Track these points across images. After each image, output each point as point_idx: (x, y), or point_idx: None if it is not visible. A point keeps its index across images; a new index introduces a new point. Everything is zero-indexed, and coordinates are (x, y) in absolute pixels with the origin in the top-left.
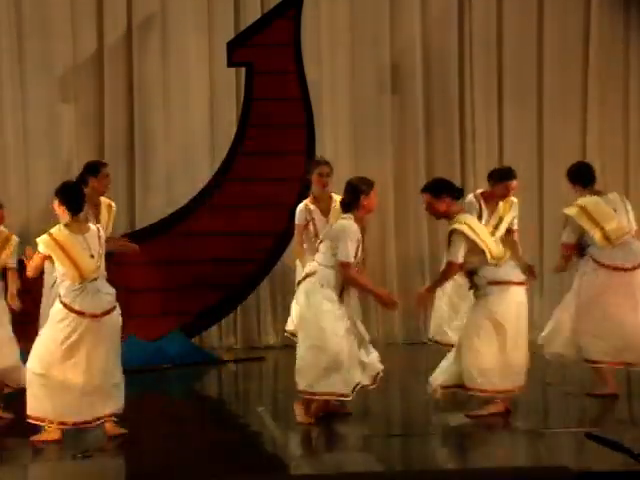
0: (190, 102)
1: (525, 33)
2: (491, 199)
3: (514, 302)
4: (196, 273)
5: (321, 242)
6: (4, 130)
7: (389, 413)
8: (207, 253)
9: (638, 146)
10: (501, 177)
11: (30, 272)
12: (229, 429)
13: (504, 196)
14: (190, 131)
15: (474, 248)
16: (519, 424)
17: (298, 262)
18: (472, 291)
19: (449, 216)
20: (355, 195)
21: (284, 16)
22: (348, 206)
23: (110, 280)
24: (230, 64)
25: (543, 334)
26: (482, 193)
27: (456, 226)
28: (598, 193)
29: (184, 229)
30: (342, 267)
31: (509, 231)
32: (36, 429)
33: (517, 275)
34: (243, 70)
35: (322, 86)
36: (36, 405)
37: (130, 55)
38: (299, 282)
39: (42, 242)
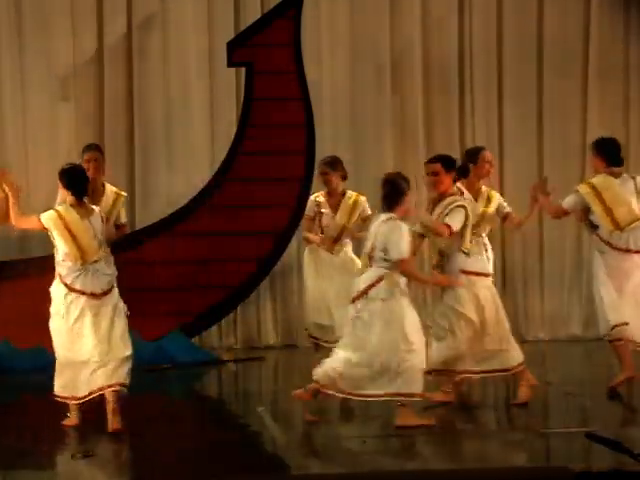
0: (190, 102)
1: (525, 33)
2: (472, 187)
3: (480, 292)
4: (196, 273)
5: (371, 253)
6: (4, 130)
7: (389, 413)
8: (207, 253)
9: (638, 146)
10: (472, 154)
11: (14, 220)
12: (229, 429)
13: (487, 172)
14: (190, 131)
15: (461, 231)
16: (519, 424)
17: (307, 252)
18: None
19: (444, 196)
20: (399, 192)
21: (284, 16)
22: (390, 204)
23: None
24: (230, 64)
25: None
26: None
27: (462, 202)
28: (617, 175)
29: (184, 229)
30: (401, 264)
31: (505, 218)
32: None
33: (483, 267)
34: (243, 70)
35: (322, 86)
36: (56, 385)
37: (130, 55)
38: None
39: (47, 215)
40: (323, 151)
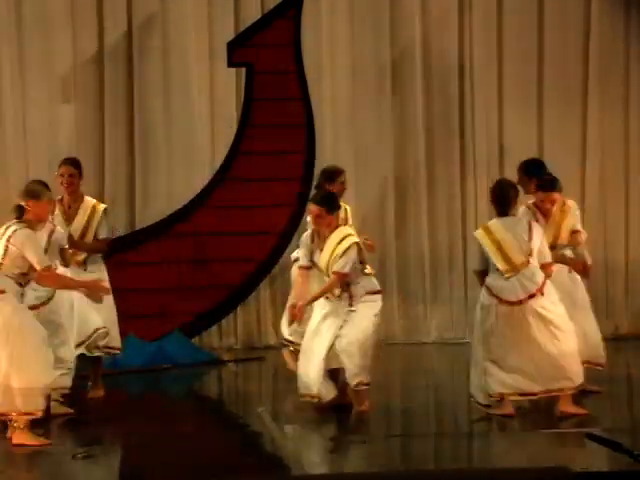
0: (190, 102)
1: (525, 33)
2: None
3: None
4: (196, 273)
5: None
6: (4, 130)
7: (389, 413)
8: (207, 253)
9: (639, 146)
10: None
11: None
12: (229, 429)
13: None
14: (190, 131)
15: None
16: (519, 424)
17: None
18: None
19: None
20: (514, 196)
21: (284, 16)
22: (506, 209)
23: (110, 280)
24: (230, 64)
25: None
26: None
27: None
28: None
29: (184, 229)
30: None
31: None
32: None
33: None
34: (243, 70)
35: (322, 86)
36: None
37: (130, 55)
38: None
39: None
40: (323, 151)
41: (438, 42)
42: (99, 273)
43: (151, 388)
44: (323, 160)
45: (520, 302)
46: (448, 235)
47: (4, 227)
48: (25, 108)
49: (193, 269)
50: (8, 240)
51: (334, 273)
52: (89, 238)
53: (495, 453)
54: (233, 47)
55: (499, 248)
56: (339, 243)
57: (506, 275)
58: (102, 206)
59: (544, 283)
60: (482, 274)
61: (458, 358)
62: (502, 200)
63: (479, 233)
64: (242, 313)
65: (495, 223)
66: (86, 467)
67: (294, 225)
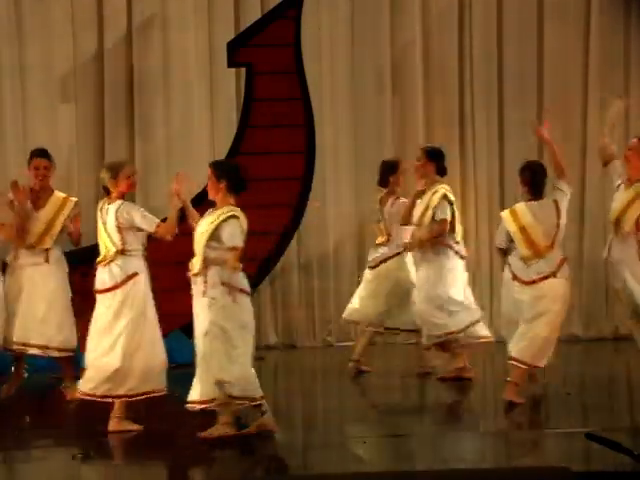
0: (190, 102)
1: (525, 33)
2: None
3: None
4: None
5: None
6: (4, 130)
7: (389, 413)
8: None
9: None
10: None
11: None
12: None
13: None
14: (190, 131)
15: None
16: (520, 424)
17: None
18: None
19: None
20: (544, 178)
21: (284, 16)
22: (539, 191)
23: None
24: (230, 64)
25: None
26: None
27: None
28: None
29: (184, 229)
30: None
31: None
32: None
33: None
34: (243, 70)
35: (322, 86)
36: None
37: (130, 55)
38: None
39: None
40: (323, 151)
41: (438, 42)
42: (60, 268)
43: None
44: (323, 160)
45: (533, 282)
46: None
47: (101, 212)
48: (25, 108)
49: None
50: (117, 220)
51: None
52: (56, 229)
53: (496, 453)
54: (233, 47)
55: (523, 232)
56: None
57: (528, 262)
58: (73, 199)
59: (560, 266)
60: (504, 252)
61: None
62: (534, 182)
63: (505, 215)
64: None
65: (521, 207)
66: (86, 467)
67: (294, 225)
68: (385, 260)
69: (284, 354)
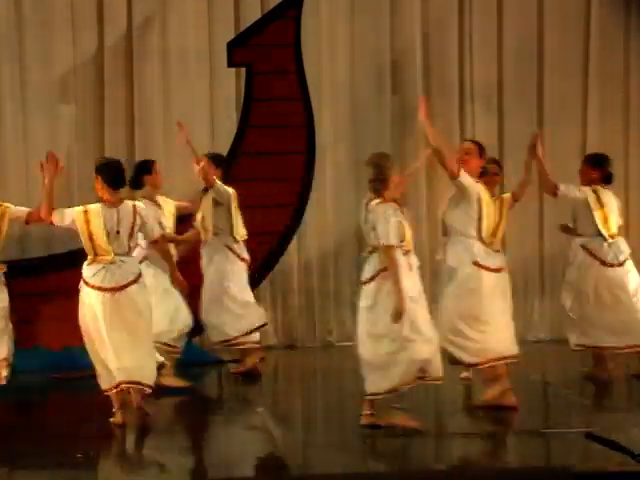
0: (190, 102)
1: (525, 33)
2: None
3: None
4: (197, 273)
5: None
6: (4, 130)
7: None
8: None
9: (639, 148)
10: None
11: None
12: (229, 429)
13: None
14: (190, 131)
15: None
16: (519, 424)
17: None
18: None
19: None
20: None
21: (284, 16)
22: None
23: None
24: (230, 64)
25: None
26: None
27: None
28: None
29: (184, 229)
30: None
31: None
32: None
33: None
34: (243, 70)
35: (322, 86)
36: None
37: (130, 55)
38: None
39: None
40: (323, 151)
41: (438, 42)
42: None
43: None
44: (323, 160)
45: (611, 266)
46: None
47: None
48: (25, 108)
49: (193, 269)
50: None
51: None
52: None
53: (496, 453)
54: (233, 47)
55: (602, 210)
56: None
57: (609, 240)
58: (6, 205)
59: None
60: (570, 230)
61: None
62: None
63: (587, 190)
64: None
65: (601, 189)
66: (86, 467)
67: (294, 225)
68: None
69: (284, 354)
